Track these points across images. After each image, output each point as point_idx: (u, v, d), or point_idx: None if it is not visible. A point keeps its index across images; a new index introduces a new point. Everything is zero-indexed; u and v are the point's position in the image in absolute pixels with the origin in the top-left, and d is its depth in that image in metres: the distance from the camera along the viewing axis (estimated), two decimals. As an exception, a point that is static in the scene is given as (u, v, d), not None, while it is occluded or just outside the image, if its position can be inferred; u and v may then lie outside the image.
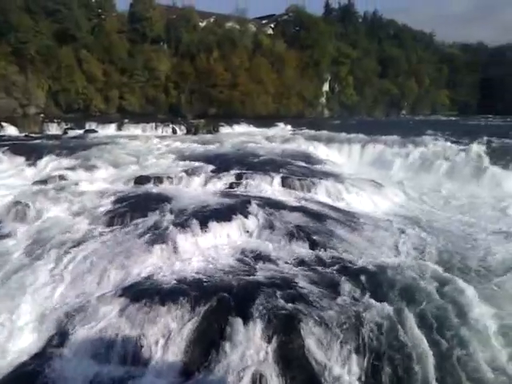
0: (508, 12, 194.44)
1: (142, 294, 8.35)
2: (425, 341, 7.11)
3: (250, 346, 7.04)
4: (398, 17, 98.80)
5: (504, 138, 25.55)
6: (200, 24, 64.46)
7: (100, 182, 18.21)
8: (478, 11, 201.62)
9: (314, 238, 11.62)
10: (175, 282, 8.89)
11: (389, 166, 24.48)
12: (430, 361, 6.77)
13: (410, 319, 7.59)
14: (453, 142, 25.47)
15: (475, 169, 21.26)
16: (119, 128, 44.61)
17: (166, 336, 7.40)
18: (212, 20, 67.55)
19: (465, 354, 6.92)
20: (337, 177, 19.11)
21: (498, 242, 12.12)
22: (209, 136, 41.05)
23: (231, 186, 17.50)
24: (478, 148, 23.06)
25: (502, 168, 20.65)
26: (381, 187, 18.26)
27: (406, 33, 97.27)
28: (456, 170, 21.75)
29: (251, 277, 9.15)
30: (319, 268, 9.81)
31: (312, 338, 7.16)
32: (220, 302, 7.92)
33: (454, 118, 71.56)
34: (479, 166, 21.29)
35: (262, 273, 9.39)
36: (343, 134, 32.82)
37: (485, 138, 24.88)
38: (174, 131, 45.08)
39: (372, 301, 8.12)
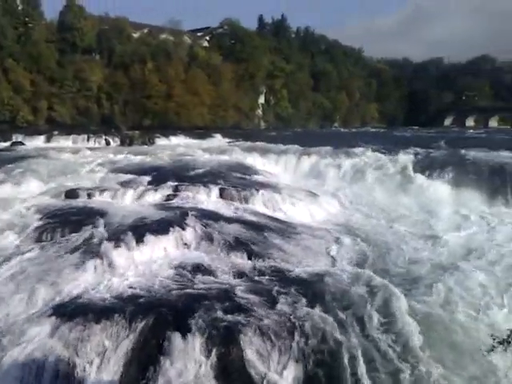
0: (429, 30, 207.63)
1: (75, 312, 8.00)
2: (359, 348, 7.34)
3: (189, 360, 6.94)
4: (328, 32, 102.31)
5: (428, 149, 27.10)
6: (133, 35, 63.45)
7: (28, 196, 17.33)
8: (402, 29, 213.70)
9: (253, 248, 11.70)
10: (110, 298, 8.61)
11: (323, 176, 25.15)
12: (362, 365, 7.01)
13: (346, 326, 7.82)
14: (382, 153, 26.63)
15: (403, 178, 22.33)
16: (48, 140, 42.69)
17: (101, 355, 7.13)
18: (146, 31, 66.71)
19: (401, 356, 7.23)
20: (274, 187, 19.38)
21: (424, 249, 12.81)
22: (144, 148, 40.30)
23: (168, 198, 17.26)
24: (405, 159, 24.28)
25: (426, 177, 21.87)
26: (316, 197, 18.73)
27: (336, 48, 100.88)
28: (386, 180, 22.74)
29: (190, 290, 9.05)
30: (258, 278, 9.88)
31: (251, 348, 7.18)
32: (158, 317, 7.76)
33: (382, 130, 74.82)
34: (406, 176, 22.40)
35: (200, 285, 9.31)
36: (279, 146, 33.41)
37: (411, 149, 26.25)
38: (108, 143, 43.84)
39: (309, 309, 8.29)
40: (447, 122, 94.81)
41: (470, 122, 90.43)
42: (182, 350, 7.05)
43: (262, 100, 78.03)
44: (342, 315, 8.15)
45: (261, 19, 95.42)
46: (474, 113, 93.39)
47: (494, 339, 4.48)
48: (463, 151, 24.86)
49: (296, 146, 31.86)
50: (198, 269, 10.29)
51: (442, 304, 8.84)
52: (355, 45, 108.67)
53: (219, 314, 7.92)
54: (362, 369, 6.94)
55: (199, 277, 9.80)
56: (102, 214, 14.23)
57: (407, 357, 7.23)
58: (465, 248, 12.80)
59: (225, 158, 30.42)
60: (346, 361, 7.07)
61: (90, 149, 36.69)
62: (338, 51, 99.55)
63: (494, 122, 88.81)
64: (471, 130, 68.27)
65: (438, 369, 6.96)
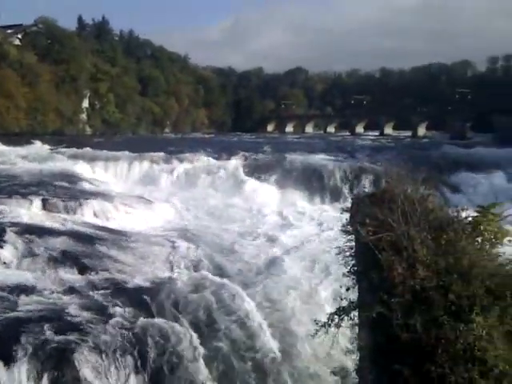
0: (250, 41, 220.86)
1: None
2: (202, 350, 7.45)
3: (15, 392, 6.21)
4: (153, 38, 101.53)
5: (255, 153, 28.84)
6: None
7: None
8: (226, 39, 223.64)
9: (84, 261, 10.99)
10: None
11: (156, 182, 24.93)
12: (204, 367, 7.16)
13: (188, 330, 7.85)
14: (214, 158, 27.49)
15: (235, 182, 23.42)
16: None
17: None
18: None
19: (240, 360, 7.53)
20: (105, 196, 18.51)
21: (258, 247, 13.58)
22: None
23: (-21, 213, 15.17)
24: (235, 163, 25.46)
25: (256, 180, 23.31)
26: (151, 204, 18.43)
27: (162, 53, 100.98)
28: (219, 184, 23.56)
29: (12, 313, 8.07)
30: (91, 293, 9.30)
31: (87, 366, 6.72)
32: (-27, 350, 6.77)
33: (212, 135, 77.21)
34: (238, 179, 23.53)
35: (25, 307, 8.38)
36: (109, 152, 31.98)
37: (241, 154, 27.61)
38: None
39: (148, 318, 8.10)
40: (270, 128, 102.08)
41: (289, 128, 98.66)
42: (7, 381, 6.27)
43: (86, 104, 73.98)
44: (184, 321, 8.15)
45: (80, 20, 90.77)
46: (292, 120, 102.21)
47: (317, 323, 4.88)
48: (285, 155, 27.01)
49: (126, 152, 30.89)
50: (22, 289, 9.25)
51: (280, 297, 9.47)
52: (180, 52, 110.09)
53: (49, 335, 7.24)
54: (205, 370, 7.06)
55: (23, 298, 8.82)
56: None
57: (254, 350, 7.59)
58: (293, 243, 13.92)
59: (47, 166, 27.94)
60: (190, 365, 7.11)
61: None
62: (163, 57, 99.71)
63: (309, 128, 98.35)
64: (291, 136, 74.65)
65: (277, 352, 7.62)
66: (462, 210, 4.75)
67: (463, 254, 3.85)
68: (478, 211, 4.65)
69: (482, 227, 4.43)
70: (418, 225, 4.35)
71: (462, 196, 19.65)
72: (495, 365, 3.18)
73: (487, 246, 4.41)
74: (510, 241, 4.56)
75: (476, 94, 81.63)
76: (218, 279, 10.14)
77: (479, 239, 4.42)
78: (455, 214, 4.74)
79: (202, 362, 7.22)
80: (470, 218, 4.58)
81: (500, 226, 4.56)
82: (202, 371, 7.08)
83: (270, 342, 7.83)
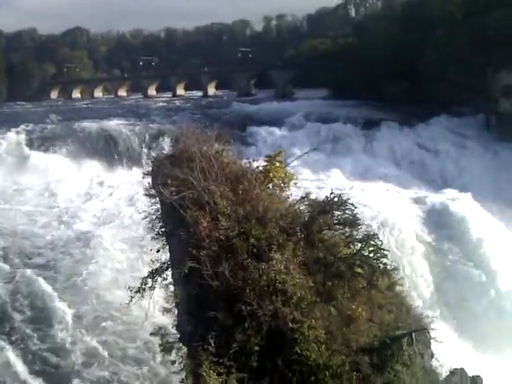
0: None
1: None
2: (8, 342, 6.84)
3: None
4: None
5: (40, 124, 26.13)
6: None
7: None
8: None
9: None
10: None
11: None
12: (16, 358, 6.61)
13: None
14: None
15: (19, 157, 20.99)
16: None
17: None
18: None
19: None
20: None
21: (56, 225, 12.68)
22: None
23: None
24: (16, 137, 22.72)
25: (44, 153, 21.32)
26: None
27: None
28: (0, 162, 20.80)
29: None
30: None
31: None
32: None
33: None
34: (22, 154, 21.16)
35: None
36: None
37: (22, 126, 24.73)
38: None
39: None
40: (54, 94, 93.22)
41: (76, 94, 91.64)
42: None
43: None
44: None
45: None
46: (78, 84, 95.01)
47: (131, 290, 4.88)
48: (76, 123, 25.24)
49: None
50: None
51: (84, 274, 9.07)
52: None
53: None
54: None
55: None
56: None
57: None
58: (98, 216, 13.36)
59: None
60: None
61: None
62: None
63: (99, 93, 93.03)
64: (79, 102, 69.78)
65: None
66: (254, 161, 5.20)
67: (258, 201, 4.24)
68: (266, 161, 5.14)
69: (271, 175, 4.93)
70: (216, 179, 4.61)
71: (253, 148, 21.24)
72: (294, 292, 3.66)
73: (277, 191, 4.95)
74: (295, 184, 5.18)
75: (256, 52, 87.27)
76: (11, 268, 9.25)
77: (270, 185, 4.92)
78: (248, 165, 5.16)
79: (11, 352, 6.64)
80: (261, 168, 5.04)
81: (286, 171, 5.13)
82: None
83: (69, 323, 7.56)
